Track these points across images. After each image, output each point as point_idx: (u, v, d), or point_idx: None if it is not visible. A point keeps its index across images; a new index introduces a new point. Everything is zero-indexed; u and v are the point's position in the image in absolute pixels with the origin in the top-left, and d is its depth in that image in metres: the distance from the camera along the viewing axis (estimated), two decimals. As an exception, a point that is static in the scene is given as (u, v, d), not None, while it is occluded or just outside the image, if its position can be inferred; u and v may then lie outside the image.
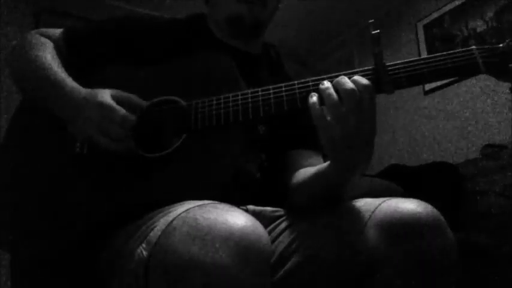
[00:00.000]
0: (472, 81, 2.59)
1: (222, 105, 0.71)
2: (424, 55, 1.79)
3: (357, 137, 0.61)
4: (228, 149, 0.71)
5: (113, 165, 0.72)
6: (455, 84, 2.69)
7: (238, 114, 0.69)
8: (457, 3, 2.77)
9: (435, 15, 2.91)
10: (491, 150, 2.15)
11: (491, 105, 2.50)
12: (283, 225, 0.76)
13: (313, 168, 0.77)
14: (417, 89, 2.91)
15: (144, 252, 0.52)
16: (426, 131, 2.89)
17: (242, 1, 0.86)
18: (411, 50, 3.05)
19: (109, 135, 0.69)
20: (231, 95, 0.71)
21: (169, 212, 0.56)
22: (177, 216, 0.53)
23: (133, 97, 0.75)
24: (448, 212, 0.72)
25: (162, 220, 0.55)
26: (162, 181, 0.69)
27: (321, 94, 0.63)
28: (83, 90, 0.74)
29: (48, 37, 0.87)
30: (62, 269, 0.70)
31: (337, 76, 0.65)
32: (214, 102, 0.71)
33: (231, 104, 0.70)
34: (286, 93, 0.68)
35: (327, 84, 0.64)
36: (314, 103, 0.63)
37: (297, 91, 0.68)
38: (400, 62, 0.66)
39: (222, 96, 0.71)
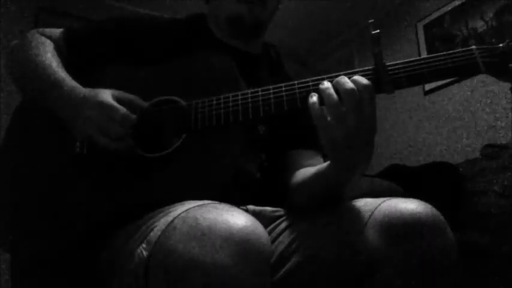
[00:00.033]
0: (472, 81, 2.59)
1: (222, 105, 0.71)
2: (424, 55, 1.79)
3: (357, 137, 0.61)
4: (228, 149, 0.71)
5: (113, 165, 0.72)
6: (455, 84, 2.69)
7: (238, 114, 0.69)
8: (457, 3, 2.77)
9: (435, 15, 2.91)
10: (491, 150, 2.14)
11: (491, 105, 2.49)
12: (283, 225, 0.76)
13: (313, 168, 0.77)
14: (417, 89, 2.91)
15: (144, 252, 0.52)
16: (426, 131, 2.88)
17: (242, 1, 0.86)
18: (411, 50, 3.05)
19: (109, 135, 0.69)
20: (231, 95, 0.71)
21: (170, 212, 0.56)
22: (177, 216, 0.53)
23: (134, 97, 0.75)
24: (448, 212, 0.72)
25: (162, 220, 0.55)
26: (162, 181, 0.69)
27: (321, 94, 0.63)
28: (83, 90, 0.74)
29: (48, 37, 0.88)
30: (62, 269, 0.70)
31: (337, 76, 0.65)
32: (214, 102, 0.71)
33: (231, 104, 0.70)
34: (286, 93, 0.68)
35: (327, 84, 0.64)
36: (314, 103, 0.63)
37: (297, 91, 0.68)
38: (400, 62, 0.66)
39: (222, 96, 0.71)
